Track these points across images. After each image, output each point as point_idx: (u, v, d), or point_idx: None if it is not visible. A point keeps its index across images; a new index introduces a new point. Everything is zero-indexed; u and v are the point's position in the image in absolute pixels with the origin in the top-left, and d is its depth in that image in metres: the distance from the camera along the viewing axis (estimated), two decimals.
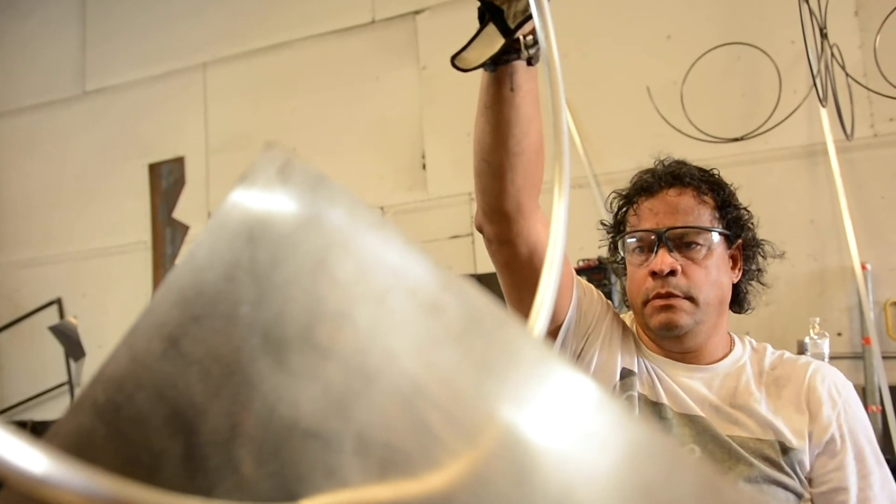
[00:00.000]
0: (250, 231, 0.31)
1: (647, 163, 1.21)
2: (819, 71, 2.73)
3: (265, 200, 0.31)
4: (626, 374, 1.14)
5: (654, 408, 1.10)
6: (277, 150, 0.32)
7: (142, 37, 4.36)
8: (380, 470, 0.27)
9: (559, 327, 1.13)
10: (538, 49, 0.85)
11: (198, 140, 4.16)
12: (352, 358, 0.29)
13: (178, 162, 4.19)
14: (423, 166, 3.65)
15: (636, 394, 1.11)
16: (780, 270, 2.88)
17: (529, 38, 0.84)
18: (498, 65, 0.87)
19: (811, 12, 2.74)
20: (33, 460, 0.21)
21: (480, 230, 1.06)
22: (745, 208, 1.17)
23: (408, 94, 3.70)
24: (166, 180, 4.21)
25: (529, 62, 0.86)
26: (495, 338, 0.29)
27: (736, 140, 2.95)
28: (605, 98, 3.30)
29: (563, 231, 0.44)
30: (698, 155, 2.77)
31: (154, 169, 4.24)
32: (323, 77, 3.90)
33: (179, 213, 4.15)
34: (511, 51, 0.84)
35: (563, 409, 0.29)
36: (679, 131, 3.00)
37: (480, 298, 0.30)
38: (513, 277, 1.07)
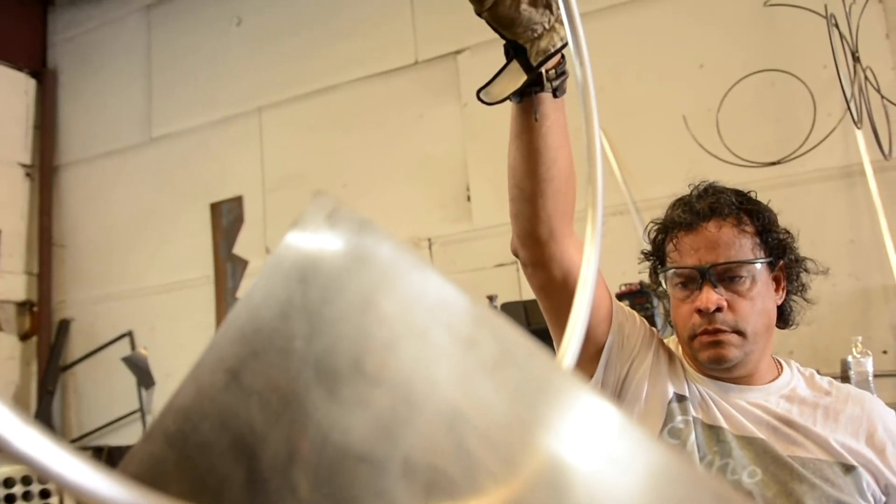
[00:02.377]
0: (302, 272, 0.32)
1: (686, 189, 1.20)
2: (853, 94, 2.79)
3: (315, 244, 0.33)
4: (678, 398, 1.12)
5: (712, 431, 1.09)
6: (326, 198, 0.34)
7: (202, 85, 4.57)
8: (425, 492, 0.28)
9: (600, 349, 1.12)
10: (563, 81, 0.89)
11: (255, 180, 4.33)
12: (398, 387, 0.30)
13: (237, 201, 4.35)
14: (468, 198, 3.77)
15: (691, 418, 1.10)
16: (822, 290, 2.90)
17: (552, 71, 0.87)
18: (523, 97, 0.90)
19: (841, 37, 2.80)
20: (111, 490, 0.23)
21: (516, 254, 1.07)
22: (785, 230, 1.15)
23: (451, 130, 3.82)
24: (226, 218, 4.37)
25: (555, 94, 0.89)
26: (526, 368, 0.31)
27: (773, 164, 3.01)
28: (641, 127, 3.39)
29: (594, 268, 0.48)
30: (736, 179, 2.83)
31: (215, 208, 4.41)
32: (370, 116, 4.05)
33: (239, 249, 4.31)
34: (536, 83, 0.87)
35: (590, 434, 0.30)
36: (716, 157, 3.07)
37: (512, 331, 0.32)
38: (549, 301, 1.08)
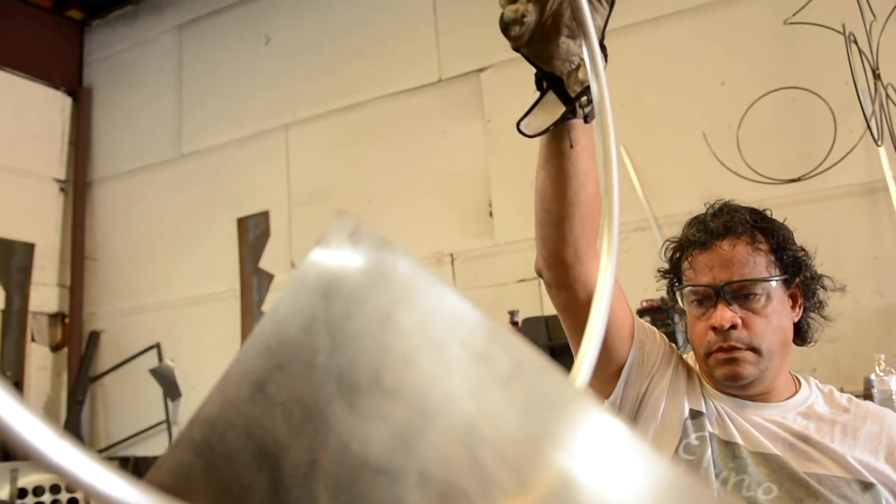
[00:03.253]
0: (325, 288, 0.33)
1: (703, 207, 1.21)
2: (874, 111, 2.78)
3: (338, 261, 0.34)
4: (694, 414, 1.12)
5: (728, 447, 1.09)
6: (348, 217, 0.35)
7: (231, 103, 4.67)
8: (439, 503, 0.29)
9: (621, 368, 1.13)
10: (593, 106, 0.86)
11: (281, 195, 4.39)
12: (414, 400, 0.31)
13: (264, 216, 4.42)
14: (490, 214, 3.80)
15: (707, 434, 1.10)
16: (845, 307, 2.90)
17: (585, 98, 0.85)
18: (556, 124, 0.89)
19: (861, 53, 2.80)
20: (138, 499, 0.24)
21: (540, 275, 1.07)
22: (801, 248, 1.15)
23: (474, 146, 3.87)
24: (253, 233, 4.44)
25: (586, 119, 0.89)
26: (537, 382, 0.32)
27: (793, 181, 3.01)
28: (662, 144, 3.40)
29: (609, 284, 0.48)
30: (756, 196, 2.84)
31: (242, 223, 4.48)
32: (395, 133, 4.11)
33: (265, 263, 4.37)
34: (570, 110, 0.87)
35: (598, 450, 0.31)
36: (736, 174, 3.07)
37: (524, 347, 0.33)
38: (572, 321, 1.08)
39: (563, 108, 0.85)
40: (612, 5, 0.81)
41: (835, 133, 2.97)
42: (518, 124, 0.88)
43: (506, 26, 0.76)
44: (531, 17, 0.75)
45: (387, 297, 0.33)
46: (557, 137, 0.92)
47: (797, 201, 3.04)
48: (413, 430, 0.30)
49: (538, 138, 0.93)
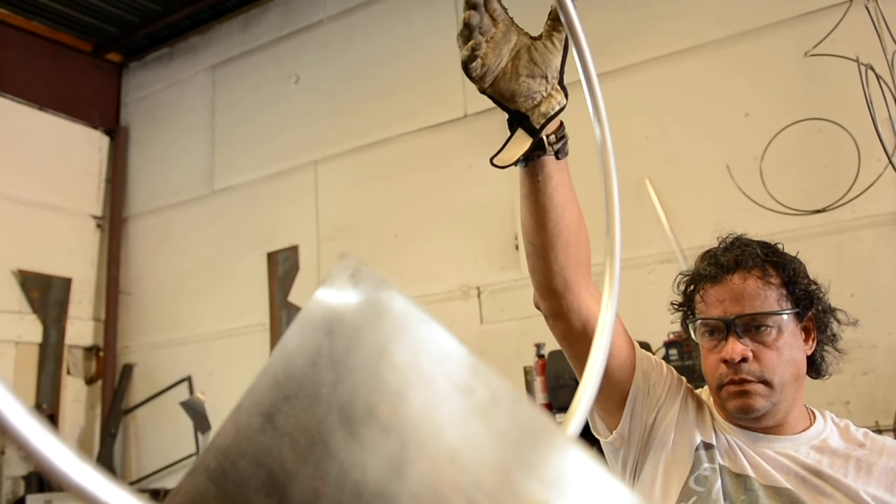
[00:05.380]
0: (329, 325, 0.35)
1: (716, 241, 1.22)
2: None
3: (340, 300, 0.36)
4: (705, 447, 1.13)
5: (740, 480, 1.09)
6: (350, 259, 0.37)
7: (262, 140, 4.78)
8: None
9: (625, 396, 1.15)
10: (563, 144, 0.96)
11: (310, 230, 4.46)
12: (406, 431, 0.33)
13: (293, 250, 4.49)
14: (517, 247, 3.80)
15: (718, 466, 1.10)
16: (878, 338, 2.85)
17: (553, 136, 0.94)
18: (528, 161, 0.96)
19: (881, 81, 2.77)
20: None
21: (538, 307, 1.11)
22: (813, 281, 1.16)
23: (499, 179, 3.87)
24: (282, 267, 4.50)
25: (557, 156, 0.96)
26: (512, 413, 0.35)
27: (818, 212, 2.98)
28: (686, 176, 3.40)
29: (611, 319, 0.49)
30: (782, 228, 2.84)
31: (272, 257, 4.55)
32: (421, 168, 4.17)
33: (294, 297, 4.42)
34: (540, 147, 0.95)
35: (564, 477, 0.34)
36: (761, 206, 3.06)
37: (500, 380, 0.36)
38: (572, 350, 1.12)
39: (530, 141, 0.93)
40: (566, 48, 0.90)
41: (859, 163, 2.95)
42: (492, 159, 0.95)
43: (465, 66, 0.86)
44: (482, 50, 0.85)
45: (383, 333, 0.36)
46: (530, 174, 0.98)
47: (826, 232, 3.02)
48: (405, 458, 0.33)
49: (519, 178, 1.00)
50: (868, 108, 2.54)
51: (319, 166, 4.54)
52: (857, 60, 2.05)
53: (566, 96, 0.93)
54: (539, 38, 0.91)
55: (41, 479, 4.28)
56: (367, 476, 0.32)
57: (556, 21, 0.90)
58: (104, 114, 5.45)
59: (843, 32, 2.82)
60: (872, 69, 2.16)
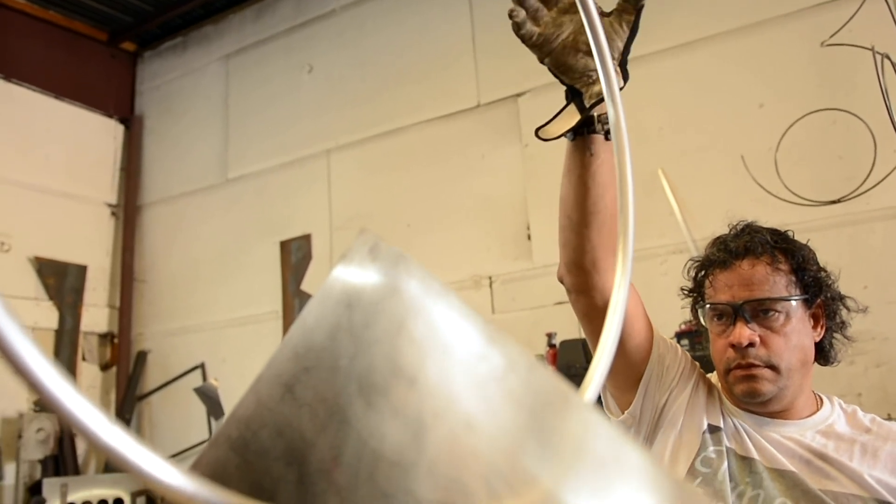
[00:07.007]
0: (348, 299, 0.36)
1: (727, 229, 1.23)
2: None
3: (359, 274, 0.37)
4: (712, 429, 1.15)
5: (745, 462, 1.11)
6: (369, 234, 0.37)
7: (275, 129, 4.80)
8: (445, 492, 0.32)
9: (640, 376, 1.17)
10: None
11: (323, 219, 4.49)
12: (424, 399, 0.34)
13: (306, 239, 4.51)
14: (528, 237, 3.82)
15: (724, 448, 1.12)
16: (891, 331, 2.84)
17: (605, 115, 0.94)
18: (577, 136, 0.98)
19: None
20: (186, 484, 0.27)
21: (561, 281, 1.13)
22: (822, 268, 1.17)
23: (512, 170, 3.90)
24: (295, 256, 4.53)
25: (606, 136, 0.97)
26: (527, 378, 0.36)
27: (833, 202, 2.97)
28: (700, 167, 3.39)
29: (624, 293, 0.50)
30: (796, 219, 2.83)
31: (285, 246, 4.58)
32: (433, 158, 4.18)
33: (307, 285, 4.45)
34: (590, 125, 0.96)
35: (580, 439, 0.34)
36: (776, 196, 3.04)
37: (516, 348, 0.36)
38: (591, 326, 1.14)
39: (578, 117, 0.94)
40: (633, 30, 0.88)
41: (875, 154, 2.93)
42: (537, 131, 0.97)
43: (516, 31, 0.87)
44: (541, 12, 0.86)
45: (401, 307, 0.36)
46: (579, 149, 0.99)
47: (840, 223, 3.00)
48: (423, 426, 0.33)
49: (566, 152, 1.02)
50: (883, 98, 2.53)
51: (332, 155, 4.56)
52: (872, 50, 2.04)
53: (626, 79, 0.93)
54: (609, 15, 0.91)
55: (57, 462, 4.34)
56: (385, 445, 0.32)
57: (626, 2, 0.91)
58: (119, 103, 5.49)
59: (858, 22, 2.80)
60: (889, 58, 2.16)
